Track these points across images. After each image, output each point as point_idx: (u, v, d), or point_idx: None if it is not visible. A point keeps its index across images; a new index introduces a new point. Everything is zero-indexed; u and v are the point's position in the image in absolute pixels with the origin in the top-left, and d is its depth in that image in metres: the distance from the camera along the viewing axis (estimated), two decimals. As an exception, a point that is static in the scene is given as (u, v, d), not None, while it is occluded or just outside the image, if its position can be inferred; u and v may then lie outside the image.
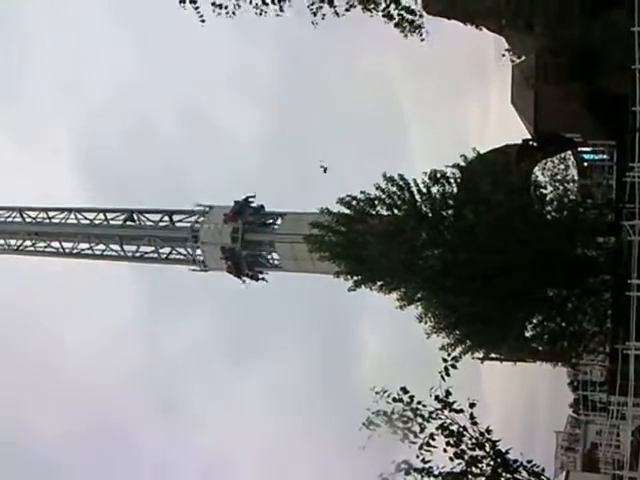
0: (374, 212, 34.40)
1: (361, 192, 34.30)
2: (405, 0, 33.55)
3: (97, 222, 54.24)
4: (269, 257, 50.83)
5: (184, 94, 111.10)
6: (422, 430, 17.56)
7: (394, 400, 17.47)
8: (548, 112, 40.03)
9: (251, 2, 31.10)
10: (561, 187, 36.53)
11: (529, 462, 18.41)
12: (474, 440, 17.88)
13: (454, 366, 17.55)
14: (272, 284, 50.75)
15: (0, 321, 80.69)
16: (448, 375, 17.43)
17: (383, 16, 33.58)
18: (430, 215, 33.80)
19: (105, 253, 54.50)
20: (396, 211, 34.02)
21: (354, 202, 34.30)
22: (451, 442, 17.77)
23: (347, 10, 32.48)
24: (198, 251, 51.19)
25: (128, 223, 53.24)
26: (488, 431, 17.98)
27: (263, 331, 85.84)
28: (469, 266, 31.76)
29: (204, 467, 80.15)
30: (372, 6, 33.33)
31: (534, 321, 35.06)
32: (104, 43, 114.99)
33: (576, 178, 43.80)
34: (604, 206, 37.09)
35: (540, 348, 35.95)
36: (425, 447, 17.49)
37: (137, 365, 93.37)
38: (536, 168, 41.28)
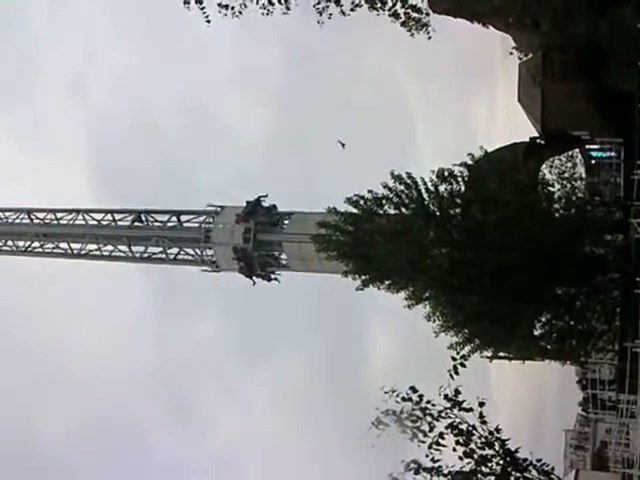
0: (382, 211, 34.38)
1: (368, 191, 34.31)
2: (411, -1, 33.55)
3: (105, 223, 54.29)
4: (281, 257, 50.68)
5: (189, 92, 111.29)
6: (431, 429, 17.52)
7: (403, 399, 17.44)
8: (555, 110, 39.96)
9: (257, 2, 31.09)
10: (569, 185, 36.44)
11: (539, 461, 18.37)
12: (483, 439, 17.83)
13: (463, 365, 17.51)
14: (281, 284, 50.68)
15: (10, 321, 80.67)
16: (457, 374, 17.41)
17: (389, 15, 33.56)
18: (438, 214, 33.78)
19: (113, 254, 54.52)
20: (404, 210, 34.01)
21: (361, 201, 34.30)
22: (460, 441, 17.73)
23: (352, 10, 32.45)
24: (210, 252, 51.10)
25: (136, 224, 53.27)
26: (497, 430, 17.93)
27: (272, 331, 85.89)
28: (477, 265, 31.72)
29: (214, 465, 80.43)
30: (378, 5, 33.30)
31: (542, 319, 35.02)
32: (108, 43, 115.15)
33: (584, 176, 43.64)
34: (612, 204, 37.02)
35: (549, 346, 35.90)
36: (434, 446, 17.45)
37: (147, 365, 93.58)
38: (543, 166, 41.20)
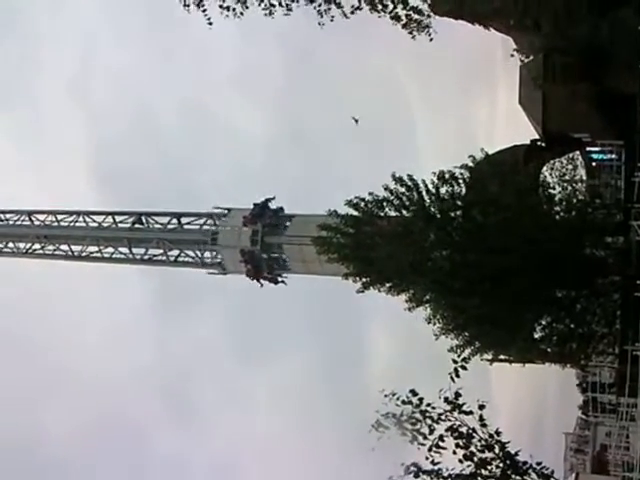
0: (382, 213, 34.36)
1: (369, 193, 34.30)
2: (413, 0, 33.50)
3: (105, 225, 54.27)
4: (286, 259, 50.45)
5: (190, 93, 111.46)
6: (431, 432, 17.48)
7: (403, 402, 17.41)
8: (556, 112, 39.94)
9: (260, 3, 31.05)
10: (569, 187, 36.51)
11: (538, 464, 18.32)
12: (483, 442, 17.79)
13: (464, 367, 17.46)
14: (282, 285, 50.56)
15: (12, 322, 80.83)
16: (458, 376, 17.36)
17: (391, 18, 33.50)
18: (438, 216, 33.75)
19: (114, 256, 54.50)
20: (404, 212, 33.99)
21: (362, 204, 34.27)
22: (460, 444, 17.69)
23: (352, 13, 32.42)
24: (209, 254, 50.98)
25: (137, 226, 53.25)
26: (497, 433, 17.89)
27: (272, 332, 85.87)
28: (477, 267, 31.69)
29: (214, 465, 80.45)
30: (380, 7, 33.26)
31: (543, 322, 34.98)
32: (109, 43, 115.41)
33: (584, 178, 43.66)
34: (613, 206, 36.99)
35: (549, 349, 35.86)
36: (434, 449, 17.42)
37: (148, 365, 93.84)
38: (544, 168, 41.17)
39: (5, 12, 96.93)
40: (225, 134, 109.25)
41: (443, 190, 33.81)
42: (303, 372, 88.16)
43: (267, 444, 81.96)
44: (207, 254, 51.24)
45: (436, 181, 33.76)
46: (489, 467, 17.96)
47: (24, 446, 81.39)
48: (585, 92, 37.94)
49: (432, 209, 33.87)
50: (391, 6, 33.29)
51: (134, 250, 53.51)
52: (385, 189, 33.94)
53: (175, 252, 52.51)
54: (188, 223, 52.81)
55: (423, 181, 33.95)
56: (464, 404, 17.56)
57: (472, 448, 17.78)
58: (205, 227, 51.38)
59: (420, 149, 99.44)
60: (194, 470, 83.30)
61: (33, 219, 56.27)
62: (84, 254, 55.31)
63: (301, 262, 47.65)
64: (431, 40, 33.57)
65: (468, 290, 32.05)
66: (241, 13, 30.96)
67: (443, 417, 17.58)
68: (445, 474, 17.82)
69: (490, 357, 35.84)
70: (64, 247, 55.71)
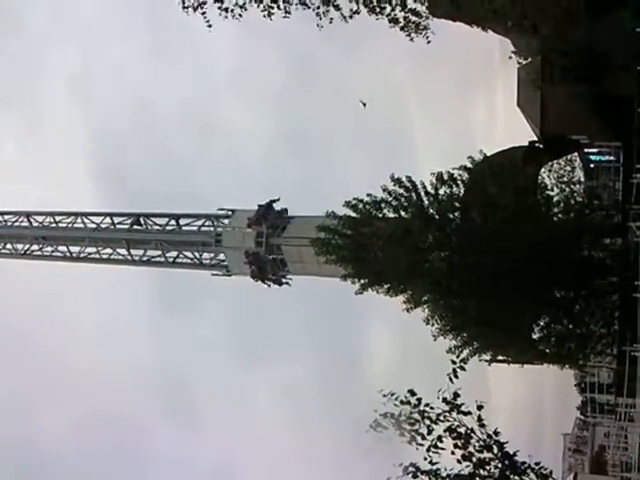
0: (380, 215, 34.40)
1: (367, 195, 34.35)
2: (411, 2, 33.55)
3: (104, 226, 54.25)
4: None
5: (190, 93, 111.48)
6: (430, 432, 17.51)
7: (402, 402, 17.44)
8: (554, 114, 39.99)
9: (258, 5, 31.12)
10: (567, 189, 36.55)
11: (537, 464, 18.36)
12: (482, 442, 17.82)
13: (463, 368, 17.50)
14: (281, 286, 50.40)
15: (13, 323, 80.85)
16: (457, 377, 17.40)
17: (389, 21, 33.56)
18: (437, 217, 33.82)
19: (112, 257, 54.45)
20: (403, 213, 34.03)
21: (360, 205, 34.32)
22: (459, 444, 17.71)
23: (351, 17, 32.53)
24: (219, 255, 50.87)
25: (135, 227, 53.23)
26: (496, 433, 17.91)
27: (272, 333, 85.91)
28: (476, 268, 31.75)
29: (213, 466, 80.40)
30: (378, 10, 33.33)
31: (541, 323, 35.04)
32: (109, 43, 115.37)
33: (582, 180, 43.70)
34: (611, 207, 37.09)
35: (547, 350, 35.90)
36: (433, 449, 17.44)
37: (148, 365, 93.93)
38: (542, 170, 41.21)
39: (6, 11, 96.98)
40: (225, 135, 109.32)
41: (441, 191, 33.88)
42: (302, 372, 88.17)
43: (265, 444, 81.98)
44: (211, 255, 51.14)
45: (434, 182, 33.84)
46: (487, 467, 17.98)
47: (22, 445, 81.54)
48: (583, 94, 37.98)
49: (430, 210, 33.93)
50: (389, 8, 33.38)
51: (137, 251, 53.38)
52: (383, 190, 34.01)
53: (185, 254, 52.17)
54: (187, 224, 52.78)
55: (422, 182, 34.01)
56: (463, 404, 17.60)
57: (470, 448, 17.80)
58: (210, 228, 51.23)
59: (418, 150, 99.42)
60: (194, 470, 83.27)
61: (31, 220, 56.26)
62: (82, 255, 55.29)
63: (299, 263, 47.63)
64: (429, 42, 33.66)
65: (466, 291, 32.12)
66: (240, 15, 31.07)
67: (442, 417, 17.61)
68: (443, 474, 17.85)
69: (488, 358, 35.89)
70: (62, 248, 55.72)
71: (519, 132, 44.53)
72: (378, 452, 17.05)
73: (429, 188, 33.84)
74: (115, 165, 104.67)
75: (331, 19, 32.05)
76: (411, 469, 17.48)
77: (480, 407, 17.60)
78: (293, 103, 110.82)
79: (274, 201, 49.63)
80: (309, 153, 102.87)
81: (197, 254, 51.46)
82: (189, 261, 52.26)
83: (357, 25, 33.05)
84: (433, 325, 33.42)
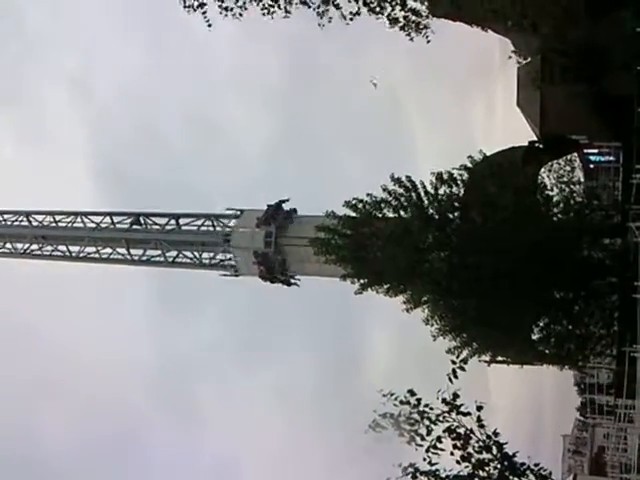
0: (380, 215, 34.37)
1: (367, 194, 34.32)
2: (411, 2, 33.51)
3: (104, 225, 54.19)
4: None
5: (191, 93, 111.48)
6: (429, 433, 17.47)
7: (401, 402, 17.39)
8: (554, 114, 39.96)
9: (258, 4, 31.08)
10: (567, 189, 36.54)
11: (536, 465, 18.32)
12: (481, 443, 17.77)
13: (463, 368, 17.45)
14: (280, 286, 50.31)
15: (12, 325, 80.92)
16: (456, 377, 17.34)
17: (390, 22, 33.53)
18: (437, 217, 33.78)
19: (113, 257, 54.37)
20: (402, 213, 34.00)
21: (360, 205, 34.29)
22: (458, 445, 17.66)
23: (351, 19, 32.54)
24: (206, 255, 50.79)
25: (135, 227, 53.17)
26: (495, 434, 17.86)
27: (272, 333, 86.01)
28: (476, 269, 31.72)
29: (215, 466, 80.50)
30: (378, 10, 33.30)
31: (541, 324, 35.01)
32: (110, 44, 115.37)
33: (582, 180, 43.71)
34: (610, 208, 37.05)
35: (547, 351, 35.88)
36: (432, 450, 17.40)
37: (148, 367, 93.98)
38: (542, 170, 41.20)
39: (7, 11, 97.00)
40: (225, 134, 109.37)
41: (441, 191, 33.85)
42: (302, 372, 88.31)
43: (265, 444, 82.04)
44: (211, 255, 51.00)
45: (434, 182, 33.81)
46: (487, 468, 17.93)
47: (24, 441, 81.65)
48: (583, 94, 37.95)
49: (430, 210, 33.91)
50: (389, 8, 33.34)
51: (141, 252, 53.27)
52: (383, 190, 33.99)
53: (188, 253, 52.01)
54: (186, 224, 52.72)
55: (421, 182, 33.99)
56: (462, 405, 17.56)
57: (470, 449, 17.75)
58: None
59: (418, 150, 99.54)
60: (194, 469, 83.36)
61: (31, 219, 56.21)
62: (82, 255, 55.24)
63: (299, 263, 47.50)
64: (429, 42, 33.62)
65: (466, 291, 32.09)
66: (240, 14, 31.03)
67: (441, 418, 17.56)
68: (442, 475, 17.81)
69: (488, 358, 35.86)
70: (62, 247, 55.68)
71: (519, 132, 44.55)
72: (377, 452, 17.02)
73: (429, 188, 33.83)
74: (115, 165, 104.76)
75: (330, 18, 32.01)
76: (410, 470, 17.44)
77: (480, 408, 17.55)
78: (293, 102, 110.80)
79: (283, 201, 49.29)
80: (309, 152, 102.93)
81: (199, 254, 51.36)
82: (190, 261, 52.18)
83: (357, 24, 33.03)
84: (433, 325, 33.41)
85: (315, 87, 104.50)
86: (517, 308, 32.78)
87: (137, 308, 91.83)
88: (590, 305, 34.97)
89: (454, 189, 33.79)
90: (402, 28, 33.53)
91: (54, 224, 55.68)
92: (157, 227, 53.01)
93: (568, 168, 43.72)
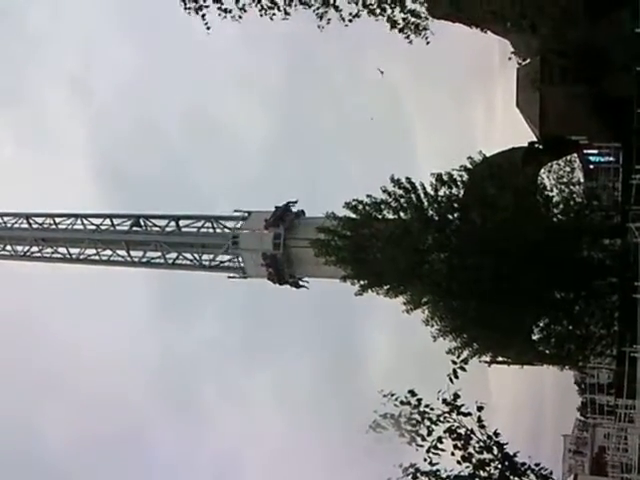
0: (380, 216, 34.38)
1: (367, 196, 34.33)
2: (410, 3, 33.54)
3: (104, 227, 54.19)
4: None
5: (189, 96, 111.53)
6: (429, 433, 17.51)
7: (402, 403, 17.44)
8: (553, 114, 39.96)
9: (257, 5, 31.16)
10: (567, 190, 36.49)
11: (537, 465, 18.37)
12: (482, 443, 17.82)
13: (463, 368, 17.49)
14: (280, 287, 50.25)
15: (15, 327, 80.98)
16: (457, 377, 17.39)
17: (390, 27, 33.56)
18: (436, 218, 33.79)
19: (116, 259, 54.31)
20: (402, 214, 34.01)
21: (360, 206, 34.30)
22: (459, 445, 17.71)
23: (350, 21, 32.58)
24: (234, 257, 50.60)
25: (135, 228, 53.16)
26: (496, 434, 17.92)
27: (272, 333, 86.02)
28: (475, 270, 31.72)
29: (215, 465, 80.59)
30: (378, 12, 33.34)
31: (541, 324, 35.01)
32: (111, 44, 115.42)
33: (582, 180, 43.68)
34: (610, 208, 37.04)
35: (547, 351, 35.89)
36: (432, 450, 17.44)
37: (149, 366, 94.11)
38: (542, 171, 41.20)
39: (7, 11, 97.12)
40: (225, 135, 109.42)
41: (441, 192, 33.85)
42: (303, 372, 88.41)
43: (266, 444, 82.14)
44: (211, 257, 50.93)
45: (434, 183, 33.81)
46: (487, 468, 17.98)
47: (23, 446, 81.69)
48: (582, 94, 37.97)
49: (430, 211, 33.90)
50: (389, 10, 33.37)
51: (144, 254, 53.24)
52: (383, 191, 33.99)
53: (188, 255, 51.87)
54: (186, 226, 52.73)
55: (421, 183, 33.99)
56: (462, 405, 17.59)
57: (470, 449, 17.80)
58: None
59: (418, 151, 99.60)
60: (196, 469, 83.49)
61: (31, 222, 56.22)
62: (82, 257, 55.23)
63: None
64: (428, 43, 33.66)
65: (466, 292, 32.08)
66: (239, 17, 31.10)
67: (442, 418, 17.60)
68: (443, 475, 17.85)
69: (488, 359, 35.87)
70: (62, 250, 55.68)
71: (518, 133, 44.57)
72: (377, 453, 17.05)
73: (429, 189, 33.82)
74: (115, 164, 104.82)
75: (329, 20, 32.08)
76: (411, 470, 17.48)
77: (480, 408, 17.59)
78: (292, 103, 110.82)
79: (292, 203, 49.06)
80: (308, 154, 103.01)
81: (199, 255, 51.33)
82: (190, 262, 52.17)
83: (357, 25, 33.09)
84: (433, 326, 33.41)
85: (315, 88, 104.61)
86: (517, 309, 32.78)
87: (138, 308, 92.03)
88: (590, 305, 34.97)
89: (454, 190, 33.80)
90: (401, 30, 33.56)
91: (54, 226, 55.70)
92: (157, 229, 53.02)
93: (568, 169, 43.69)
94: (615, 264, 34.85)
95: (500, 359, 36.98)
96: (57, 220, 55.68)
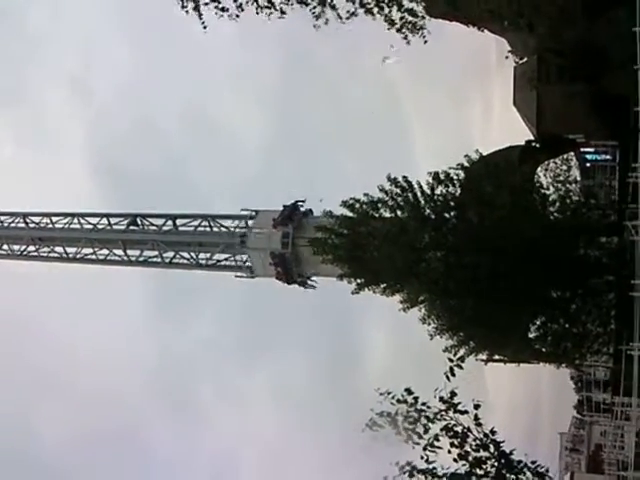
0: (377, 214, 34.41)
1: (364, 194, 34.36)
2: (407, 2, 33.52)
3: (100, 227, 54.18)
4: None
5: (188, 95, 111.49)
6: (426, 431, 17.54)
7: (398, 401, 17.47)
8: (550, 113, 40.01)
9: (253, 3, 31.16)
10: (564, 188, 36.55)
11: (533, 463, 18.41)
12: (478, 441, 17.86)
13: (460, 366, 17.54)
14: (279, 285, 50.19)
15: (11, 326, 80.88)
16: (453, 375, 17.43)
17: (388, 27, 33.56)
18: (433, 217, 33.81)
19: (113, 258, 54.30)
20: (399, 213, 34.04)
21: (357, 205, 34.33)
22: (455, 443, 17.75)
23: (347, 19, 32.56)
24: (203, 255, 50.63)
25: (132, 228, 53.14)
26: (492, 432, 17.97)
27: (270, 332, 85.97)
28: (472, 268, 31.76)
29: (212, 464, 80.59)
30: (375, 10, 33.34)
31: (538, 322, 35.06)
32: (110, 44, 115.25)
33: (579, 179, 43.75)
34: (607, 206, 37.09)
35: (544, 349, 35.93)
36: (429, 448, 17.48)
37: (147, 366, 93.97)
38: (539, 169, 41.25)
39: (7, 11, 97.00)
40: (223, 134, 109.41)
41: (438, 191, 33.88)
42: (300, 371, 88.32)
43: (264, 443, 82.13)
44: (207, 256, 50.85)
45: (431, 182, 33.84)
46: (484, 466, 18.04)
47: (20, 444, 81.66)
48: (579, 93, 38.02)
49: (427, 210, 33.93)
50: (386, 9, 33.36)
51: (143, 253, 53.17)
52: (380, 190, 34.02)
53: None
54: (183, 225, 52.67)
55: (418, 182, 34.02)
56: (459, 403, 17.63)
57: (467, 447, 17.85)
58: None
59: (415, 150, 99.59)
60: (193, 470, 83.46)
61: (28, 221, 56.16)
62: (79, 256, 55.18)
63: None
64: (426, 42, 33.63)
65: (463, 291, 32.12)
66: (237, 15, 31.10)
67: (438, 416, 17.64)
68: (440, 473, 17.88)
69: (485, 357, 35.91)
70: (59, 249, 55.64)
71: (515, 131, 44.61)
72: (374, 451, 17.08)
73: (425, 188, 33.85)
74: (113, 163, 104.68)
75: (327, 19, 32.09)
76: (407, 468, 17.51)
77: (477, 406, 17.63)
78: (290, 102, 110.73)
79: (300, 202, 48.93)
80: (306, 152, 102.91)
81: (194, 254, 51.32)
82: (188, 262, 52.14)
83: (354, 24, 33.08)
84: (429, 324, 33.47)
85: (312, 86, 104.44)
86: (514, 307, 32.83)
87: (135, 307, 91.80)
88: (587, 303, 35.03)
89: (451, 189, 33.84)
90: (399, 30, 33.54)
91: (51, 225, 55.64)
92: (154, 228, 52.97)
93: (565, 167, 43.83)
94: (612, 262, 34.91)
95: (497, 357, 37.03)
96: (54, 219, 55.61)
